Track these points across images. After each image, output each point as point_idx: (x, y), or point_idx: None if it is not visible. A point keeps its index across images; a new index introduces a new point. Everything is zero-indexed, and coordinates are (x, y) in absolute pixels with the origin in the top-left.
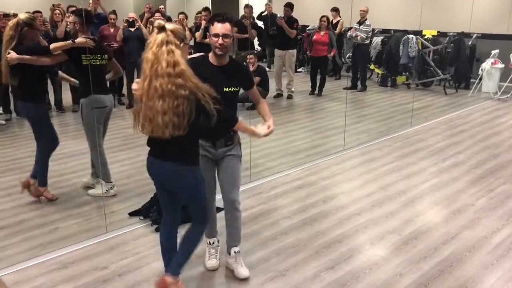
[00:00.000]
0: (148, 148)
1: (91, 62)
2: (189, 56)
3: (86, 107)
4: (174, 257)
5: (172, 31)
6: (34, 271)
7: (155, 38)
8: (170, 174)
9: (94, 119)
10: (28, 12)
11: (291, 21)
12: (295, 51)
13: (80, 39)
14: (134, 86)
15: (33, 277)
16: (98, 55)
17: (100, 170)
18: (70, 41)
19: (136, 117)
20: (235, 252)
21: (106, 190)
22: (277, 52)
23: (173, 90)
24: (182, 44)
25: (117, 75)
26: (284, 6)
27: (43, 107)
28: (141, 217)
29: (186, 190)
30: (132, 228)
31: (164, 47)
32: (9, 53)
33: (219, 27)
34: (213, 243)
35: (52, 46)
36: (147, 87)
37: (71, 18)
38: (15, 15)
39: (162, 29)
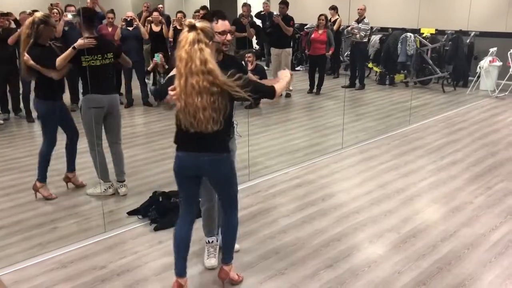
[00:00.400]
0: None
1: (90, 64)
2: None
3: (84, 107)
4: (223, 249)
5: (202, 29)
6: (33, 270)
7: (186, 37)
8: (208, 164)
9: (92, 119)
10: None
11: (287, 19)
12: (290, 49)
13: (79, 42)
14: (171, 93)
15: (32, 277)
16: (99, 55)
17: (98, 169)
18: (71, 49)
19: (180, 115)
20: None
21: (105, 190)
22: (274, 51)
23: (208, 87)
24: (210, 43)
25: (126, 67)
26: (280, 3)
27: (51, 106)
28: (140, 216)
29: (225, 176)
30: (131, 227)
31: (196, 46)
32: (24, 55)
33: (222, 24)
34: (212, 242)
35: (57, 62)
36: (184, 85)
37: (69, 17)
38: (30, 14)
39: (192, 27)
